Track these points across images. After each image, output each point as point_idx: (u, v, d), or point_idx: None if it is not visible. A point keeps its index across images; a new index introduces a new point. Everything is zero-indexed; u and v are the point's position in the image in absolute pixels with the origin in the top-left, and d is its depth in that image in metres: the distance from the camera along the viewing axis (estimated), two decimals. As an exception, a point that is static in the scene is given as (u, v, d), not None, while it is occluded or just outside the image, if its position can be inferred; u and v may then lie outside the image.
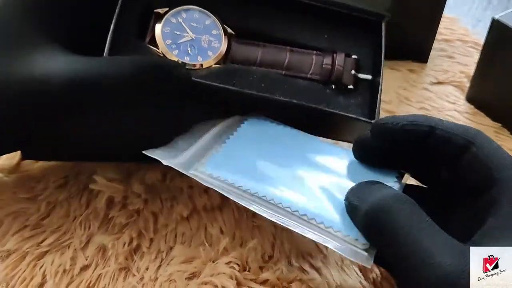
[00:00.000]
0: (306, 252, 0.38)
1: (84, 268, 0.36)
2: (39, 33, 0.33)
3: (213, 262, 0.36)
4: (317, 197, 0.31)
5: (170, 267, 0.36)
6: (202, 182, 0.32)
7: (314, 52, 0.39)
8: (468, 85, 0.54)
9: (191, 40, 0.37)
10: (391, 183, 0.31)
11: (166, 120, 0.35)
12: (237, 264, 0.36)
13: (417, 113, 0.30)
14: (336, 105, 0.37)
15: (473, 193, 0.27)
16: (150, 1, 0.38)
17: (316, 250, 0.38)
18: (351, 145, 0.33)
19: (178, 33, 0.37)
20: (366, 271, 0.37)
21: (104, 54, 0.35)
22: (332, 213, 0.29)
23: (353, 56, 0.39)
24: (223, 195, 0.40)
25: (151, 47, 0.36)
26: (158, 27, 0.36)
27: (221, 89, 0.35)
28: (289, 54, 0.38)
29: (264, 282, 0.35)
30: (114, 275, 0.35)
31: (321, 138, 0.37)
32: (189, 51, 0.37)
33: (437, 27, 0.55)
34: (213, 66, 0.37)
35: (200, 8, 0.38)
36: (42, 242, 0.37)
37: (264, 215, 0.30)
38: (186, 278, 0.35)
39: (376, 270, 0.37)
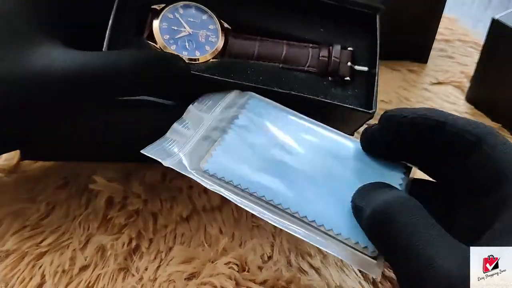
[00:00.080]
0: (305, 252, 0.37)
1: (83, 268, 0.36)
2: (39, 30, 0.33)
3: (212, 262, 0.36)
4: (326, 202, 0.29)
5: (169, 268, 0.36)
6: (204, 184, 0.30)
7: (311, 45, 0.39)
8: (468, 85, 0.54)
9: (188, 35, 0.37)
10: (399, 178, 0.30)
11: (165, 119, 0.35)
12: (236, 264, 0.36)
13: (428, 107, 0.29)
14: (334, 96, 0.37)
15: (482, 192, 0.26)
16: None
17: (316, 250, 0.38)
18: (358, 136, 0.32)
19: (175, 28, 0.37)
20: (366, 271, 0.37)
21: (103, 50, 0.35)
22: (341, 219, 0.28)
23: (349, 49, 0.40)
24: (222, 195, 0.40)
25: (150, 42, 0.37)
26: (155, 23, 0.37)
27: (220, 82, 0.35)
28: (286, 47, 0.39)
29: (263, 283, 0.35)
30: (113, 276, 0.35)
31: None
32: (187, 46, 0.37)
33: (437, 27, 0.55)
34: (211, 60, 0.37)
35: (197, 4, 0.38)
36: (41, 242, 0.37)
37: (271, 222, 0.29)
38: (185, 279, 0.35)
39: (376, 270, 0.37)
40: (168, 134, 0.33)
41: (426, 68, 0.57)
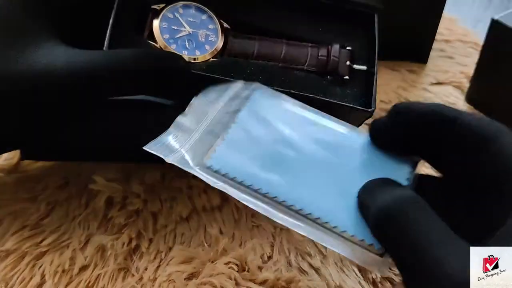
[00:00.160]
0: (305, 252, 0.38)
1: (83, 268, 0.36)
2: (40, 28, 0.33)
3: (212, 262, 0.36)
4: (331, 198, 0.29)
5: (169, 267, 0.36)
6: (207, 181, 0.30)
7: (310, 44, 0.40)
8: (467, 85, 0.54)
9: (188, 34, 0.37)
10: (406, 173, 0.30)
11: (165, 119, 0.35)
12: (236, 264, 0.36)
13: (439, 103, 0.29)
14: (333, 95, 0.38)
15: (492, 189, 0.26)
16: None
17: (316, 250, 0.38)
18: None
19: (175, 28, 0.37)
20: (366, 271, 0.37)
21: (104, 49, 0.35)
22: (346, 215, 0.28)
23: (347, 48, 0.40)
24: (222, 195, 0.40)
25: (150, 42, 0.37)
26: (155, 23, 0.37)
27: (220, 81, 0.35)
28: (285, 47, 0.39)
29: (263, 283, 0.35)
30: (113, 275, 0.35)
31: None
32: (187, 46, 0.37)
33: (437, 28, 0.55)
34: (211, 59, 0.37)
35: (196, 4, 0.38)
36: (41, 242, 0.37)
37: (272, 217, 0.28)
38: (185, 279, 0.35)
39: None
40: (170, 129, 0.32)
41: (426, 69, 0.57)
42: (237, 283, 0.35)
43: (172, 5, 0.38)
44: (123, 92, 0.34)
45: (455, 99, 0.54)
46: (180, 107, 0.34)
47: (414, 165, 0.30)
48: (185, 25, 0.38)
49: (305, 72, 0.38)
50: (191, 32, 0.38)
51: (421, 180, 0.30)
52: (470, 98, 0.53)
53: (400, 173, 0.30)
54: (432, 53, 0.58)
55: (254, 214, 0.40)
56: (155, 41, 0.36)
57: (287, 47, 0.39)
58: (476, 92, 0.52)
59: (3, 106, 0.31)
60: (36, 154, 0.41)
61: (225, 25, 0.39)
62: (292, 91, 0.36)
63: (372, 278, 0.36)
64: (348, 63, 0.39)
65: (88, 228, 0.38)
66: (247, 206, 0.40)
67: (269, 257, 0.37)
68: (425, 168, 0.31)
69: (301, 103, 0.33)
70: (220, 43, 0.38)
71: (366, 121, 0.38)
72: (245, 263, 0.36)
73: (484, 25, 0.53)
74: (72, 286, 0.34)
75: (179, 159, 0.30)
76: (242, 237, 0.38)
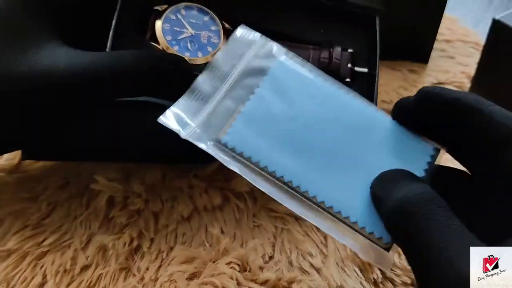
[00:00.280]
0: (306, 252, 0.38)
1: (85, 268, 0.36)
2: (41, 28, 0.33)
3: (214, 262, 0.36)
4: (345, 186, 0.28)
5: (170, 267, 0.36)
6: (220, 159, 0.28)
7: (311, 46, 0.40)
8: (469, 85, 0.54)
9: (190, 36, 0.37)
10: (424, 163, 0.29)
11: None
12: (238, 264, 0.36)
13: (469, 92, 0.28)
14: None
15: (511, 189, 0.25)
16: None
17: (317, 250, 0.38)
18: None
19: (177, 29, 0.37)
20: (367, 271, 0.37)
21: (106, 51, 0.35)
22: (357, 205, 0.27)
23: (349, 50, 0.40)
24: (223, 194, 0.40)
25: (152, 43, 0.37)
26: (158, 24, 0.37)
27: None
28: (287, 48, 0.39)
29: (264, 283, 0.35)
30: (114, 275, 0.35)
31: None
32: (189, 47, 0.37)
33: (438, 28, 0.55)
34: None
35: (198, 5, 0.38)
36: (42, 242, 0.37)
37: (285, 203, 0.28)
38: (186, 278, 0.35)
39: (377, 271, 0.37)
40: (187, 93, 0.31)
41: (426, 69, 0.57)
42: (238, 283, 0.35)
43: (174, 6, 0.38)
44: (125, 93, 0.34)
45: (456, 99, 0.53)
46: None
47: (434, 155, 0.29)
48: (187, 26, 0.38)
49: None
50: (193, 34, 0.38)
51: (440, 172, 0.29)
52: (471, 98, 0.53)
53: (418, 163, 0.29)
54: (433, 53, 0.57)
55: (255, 213, 0.40)
56: (157, 43, 0.37)
57: (289, 49, 0.39)
58: (477, 92, 0.52)
59: (4, 106, 0.31)
60: (37, 154, 0.42)
61: (227, 26, 0.39)
62: None
63: (374, 278, 0.36)
64: (349, 65, 0.39)
65: (90, 228, 0.38)
66: (248, 205, 0.40)
67: (271, 257, 0.37)
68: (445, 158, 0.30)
69: (324, 74, 0.31)
70: (222, 45, 0.38)
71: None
72: (246, 263, 0.36)
73: (485, 25, 0.53)
74: (74, 286, 0.35)
75: (193, 134, 0.29)
76: (244, 237, 0.38)
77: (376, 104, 0.37)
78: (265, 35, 0.39)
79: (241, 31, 0.33)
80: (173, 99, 0.36)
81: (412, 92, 0.54)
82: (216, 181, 0.41)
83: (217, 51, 0.37)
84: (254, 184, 0.28)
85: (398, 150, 0.29)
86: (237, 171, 0.28)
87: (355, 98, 0.31)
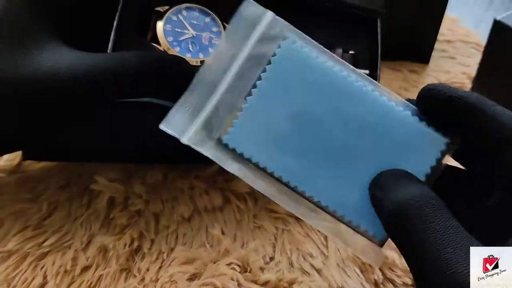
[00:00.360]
0: (307, 253, 0.38)
1: (85, 269, 0.36)
2: (41, 29, 0.34)
3: (214, 263, 0.36)
4: (345, 185, 0.27)
5: (171, 268, 0.36)
6: (221, 164, 0.28)
7: None
8: (470, 86, 0.54)
9: (192, 37, 0.37)
10: (434, 157, 0.28)
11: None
12: (238, 265, 0.36)
13: (472, 91, 0.28)
14: None
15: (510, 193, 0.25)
16: None
17: (317, 251, 0.38)
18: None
19: (179, 30, 0.37)
20: (368, 272, 0.37)
21: (108, 51, 0.35)
22: (353, 203, 0.27)
23: (350, 52, 0.40)
24: (224, 195, 0.40)
25: (153, 44, 0.37)
26: (159, 25, 0.37)
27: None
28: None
29: (265, 283, 0.35)
30: (115, 276, 0.35)
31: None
32: (191, 48, 0.37)
33: (439, 28, 0.55)
34: None
35: (200, 6, 0.38)
36: (43, 242, 0.37)
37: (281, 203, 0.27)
38: (187, 279, 0.35)
39: (378, 271, 0.37)
40: (181, 100, 0.29)
41: (427, 69, 0.57)
42: (239, 284, 0.35)
43: (175, 7, 0.38)
44: (126, 94, 0.34)
45: (457, 99, 0.53)
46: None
47: (445, 150, 0.28)
48: (189, 27, 0.38)
49: None
50: (194, 35, 0.38)
51: (443, 172, 0.29)
52: (472, 98, 0.53)
53: (425, 160, 0.28)
54: (434, 54, 0.58)
55: (256, 214, 0.40)
56: (159, 44, 0.37)
57: None
58: (478, 93, 0.52)
59: (5, 107, 0.31)
60: (37, 155, 0.42)
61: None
62: None
63: (374, 279, 0.36)
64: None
65: (90, 228, 0.38)
66: (249, 206, 0.40)
67: (271, 258, 0.37)
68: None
69: (332, 58, 0.29)
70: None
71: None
72: (247, 264, 0.36)
73: (486, 25, 0.53)
74: (74, 287, 0.35)
75: (193, 137, 0.28)
76: (244, 238, 0.38)
77: None
78: None
79: (246, 8, 0.29)
80: (175, 100, 0.36)
81: (412, 92, 0.54)
82: (217, 181, 0.41)
83: None
84: (252, 186, 0.28)
85: (404, 147, 0.28)
86: (236, 173, 0.28)
87: (366, 86, 0.28)
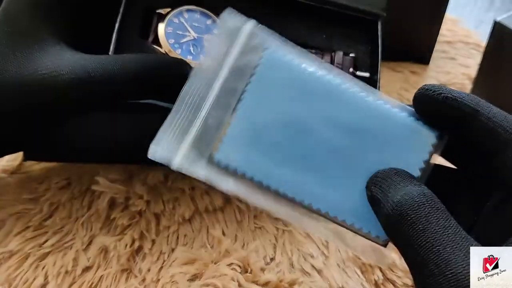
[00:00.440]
0: (307, 253, 0.38)
1: (86, 269, 0.36)
2: (46, 32, 0.34)
3: (215, 263, 0.36)
4: (341, 189, 0.27)
5: (172, 269, 0.36)
6: (216, 186, 0.27)
7: (313, 51, 0.40)
8: (470, 87, 0.54)
9: (193, 39, 0.38)
10: (426, 151, 0.27)
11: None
12: (239, 265, 0.36)
13: (467, 92, 0.28)
14: None
15: (506, 195, 0.25)
16: (152, 1, 0.38)
17: (318, 251, 0.38)
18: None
19: (180, 33, 0.37)
20: (368, 273, 0.37)
21: (109, 53, 0.36)
22: (352, 206, 0.27)
23: (351, 55, 0.40)
24: (225, 196, 0.40)
25: (155, 46, 0.37)
26: (161, 27, 0.37)
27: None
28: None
29: (265, 284, 0.35)
30: (116, 277, 0.35)
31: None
32: (192, 51, 0.37)
33: (439, 29, 0.55)
34: None
35: (201, 9, 0.39)
36: (44, 243, 0.37)
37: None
38: (188, 280, 0.35)
39: (378, 272, 0.37)
40: (167, 123, 0.28)
41: (428, 70, 0.57)
42: (240, 285, 0.35)
43: (177, 9, 0.38)
44: (127, 96, 0.34)
45: (457, 100, 0.54)
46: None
47: (436, 143, 0.28)
48: (190, 30, 0.38)
49: None
50: (196, 37, 0.38)
51: (440, 172, 0.29)
52: (473, 99, 0.53)
53: (418, 156, 0.27)
54: (434, 54, 0.58)
55: (256, 215, 0.40)
56: (160, 46, 0.37)
57: None
58: (478, 94, 0.52)
59: (6, 108, 0.31)
60: (38, 155, 0.42)
61: (229, 29, 0.39)
62: None
63: (375, 279, 0.36)
64: (351, 70, 0.39)
65: (91, 229, 0.38)
66: (249, 207, 0.40)
67: (272, 259, 0.37)
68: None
69: (317, 62, 0.28)
70: None
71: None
72: (247, 265, 0.36)
73: (486, 26, 0.53)
74: (75, 287, 0.35)
75: (184, 161, 0.27)
76: (245, 239, 0.38)
77: None
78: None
79: (225, 20, 0.29)
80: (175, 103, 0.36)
81: (413, 93, 0.53)
82: (218, 182, 0.41)
83: None
84: (250, 202, 0.27)
85: (396, 144, 0.28)
86: (232, 191, 0.27)
87: (352, 87, 0.28)
